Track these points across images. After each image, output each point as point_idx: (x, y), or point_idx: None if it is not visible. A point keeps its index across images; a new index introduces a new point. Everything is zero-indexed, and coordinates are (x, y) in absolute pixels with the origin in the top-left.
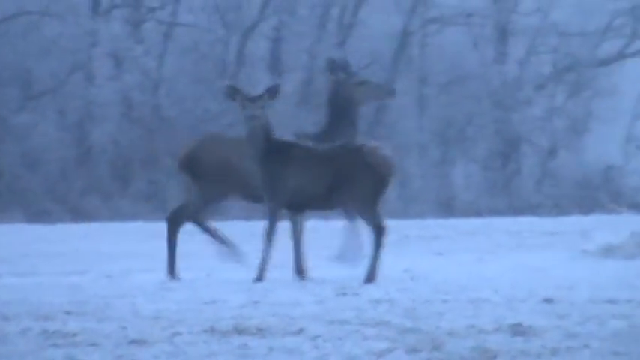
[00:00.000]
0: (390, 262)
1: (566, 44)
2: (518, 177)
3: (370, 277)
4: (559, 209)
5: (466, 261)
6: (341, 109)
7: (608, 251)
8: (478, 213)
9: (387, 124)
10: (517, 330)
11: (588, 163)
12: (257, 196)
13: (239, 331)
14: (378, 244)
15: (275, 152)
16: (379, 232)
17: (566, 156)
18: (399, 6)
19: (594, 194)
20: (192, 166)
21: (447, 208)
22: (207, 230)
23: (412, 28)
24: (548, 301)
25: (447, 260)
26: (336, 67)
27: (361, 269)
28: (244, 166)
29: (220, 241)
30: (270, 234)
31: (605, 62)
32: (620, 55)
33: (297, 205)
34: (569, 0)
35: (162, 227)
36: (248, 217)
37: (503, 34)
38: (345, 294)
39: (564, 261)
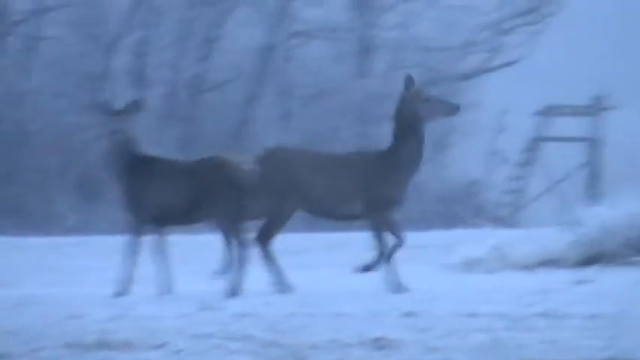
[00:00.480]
0: (254, 275)
1: (428, 59)
2: None
3: (234, 291)
4: (422, 223)
5: (329, 275)
6: (406, 125)
7: (470, 265)
8: (341, 227)
9: (251, 138)
10: (379, 344)
11: (451, 178)
12: (323, 209)
13: (102, 345)
14: (242, 259)
15: (138, 166)
16: (243, 246)
17: (429, 170)
18: (262, 20)
19: (457, 208)
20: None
21: (311, 221)
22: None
23: (276, 41)
24: (410, 314)
25: (310, 274)
26: (412, 84)
27: (225, 283)
28: (309, 179)
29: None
30: (132, 249)
31: (467, 76)
32: (482, 70)
33: (161, 220)
34: (431, 15)
35: (25, 241)
36: (112, 232)
37: (365, 48)
38: (208, 308)
39: (427, 275)
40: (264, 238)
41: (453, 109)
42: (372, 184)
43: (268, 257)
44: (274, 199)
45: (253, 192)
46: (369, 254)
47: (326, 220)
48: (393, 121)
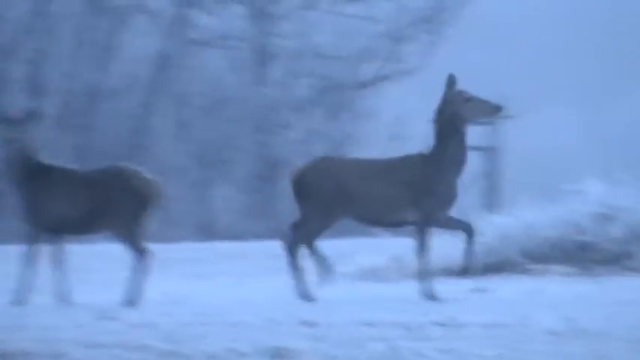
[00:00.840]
0: (151, 285)
1: (325, 67)
2: (277, 200)
3: (131, 300)
4: None
5: (226, 284)
6: (448, 125)
7: (368, 274)
8: (237, 236)
9: (146, 147)
10: (276, 353)
11: None
12: (371, 217)
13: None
14: (140, 268)
15: (36, 175)
16: (142, 256)
17: None
18: (158, 28)
19: None
20: (302, 187)
21: (207, 231)
22: (314, 253)
23: (172, 50)
24: (307, 323)
25: (206, 283)
26: (454, 83)
27: (122, 293)
28: (356, 187)
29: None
30: (30, 258)
31: (363, 85)
32: (378, 78)
33: (59, 229)
34: (328, 23)
35: None
36: (9, 241)
37: (262, 56)
38: (106, 318)
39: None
40: (295, 245)
41: (496, 110)
42: (420, 189)
43: (294, 264)
44: (321, 207)
45: (155, 202)
46: (266, 263)
47: (374, 228)
48: (434, 122)
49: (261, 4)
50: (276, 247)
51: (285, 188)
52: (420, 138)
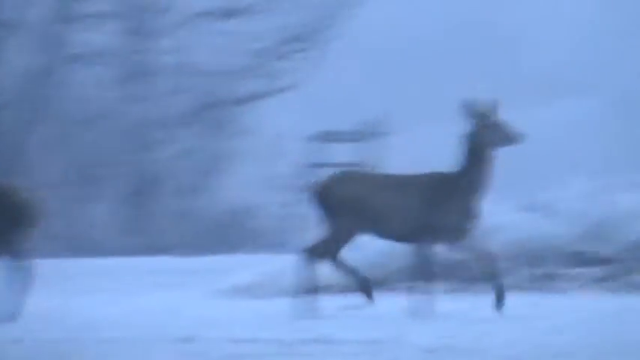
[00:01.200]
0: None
1: (203, 83)
2: (153, 216)
3: (11, 316)
4: (194, 249)
5: (100, 301)
6: (472, 150)
7: (243, 291)
8: (113, 252)
9: (22, 163)
10: None
11: (225, 203)
12: (389, 231)
13: None
14: (23, 284)
15: None
16: (22, 272)
17: (203, 196)
18: (37, 43)
19: (230, 234)
20: (324, 200)
21: (82, 247)
22: (340, 266)
23: (49, 66)
24: (183, 340)
25: (81, 300)
26: (473, 110)
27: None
28: (375, 202)
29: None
30: None
31: (241, 101)
32: (259, 95)
33: None
34: (207, 39)
35: None
36: None
37: (139, 72)
38: None
39: (199, 300)
40: (331, 255)
41: (517, 137)
42: (431, 208)
43: (344, 268)
44: (340, 220)
45: (34, 219)
46: (141, 279)
47: (393, 242)
48: (461, 146)
49: (138, 21)
50: (151, 263)
51: (161, 205)
52: (297, 154)
